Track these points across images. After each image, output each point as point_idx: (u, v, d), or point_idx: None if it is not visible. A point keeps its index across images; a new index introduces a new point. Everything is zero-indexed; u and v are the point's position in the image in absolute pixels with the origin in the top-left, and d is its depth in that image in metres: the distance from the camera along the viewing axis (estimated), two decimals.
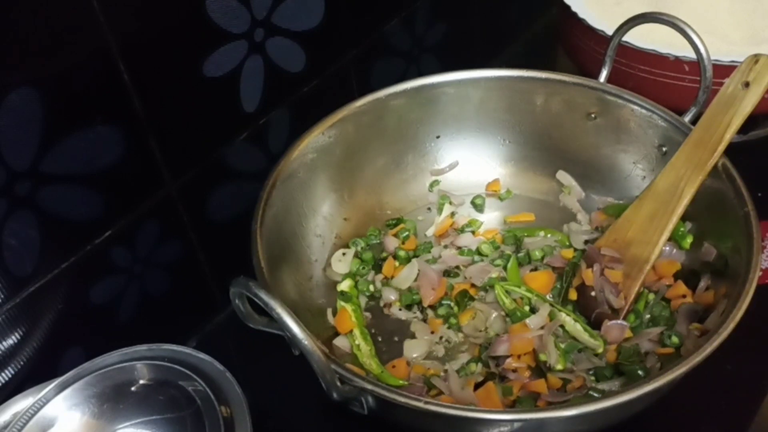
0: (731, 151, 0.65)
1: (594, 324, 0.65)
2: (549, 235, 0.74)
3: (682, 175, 0.66)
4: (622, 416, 0.55)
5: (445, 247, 0.74)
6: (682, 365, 0.51)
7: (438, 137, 0.79)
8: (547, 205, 0.78)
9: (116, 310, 0.65)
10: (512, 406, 0.60)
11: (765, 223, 0.62)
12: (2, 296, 0.55)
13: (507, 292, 0.67)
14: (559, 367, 0.61)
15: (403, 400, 0.50)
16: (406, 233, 0.75)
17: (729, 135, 0.64)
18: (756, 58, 0.64)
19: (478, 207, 0.79)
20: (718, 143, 0.64)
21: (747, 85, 0.64)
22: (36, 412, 0.53)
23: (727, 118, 0.64)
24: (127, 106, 0.60)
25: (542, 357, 0.61)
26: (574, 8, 0.86)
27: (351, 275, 0.72)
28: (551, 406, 0.56)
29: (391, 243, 0.74)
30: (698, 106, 0.70)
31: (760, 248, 0.57)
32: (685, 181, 0.65)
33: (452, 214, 0.77)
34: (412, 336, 0.67)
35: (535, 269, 0.71)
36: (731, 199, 0.62)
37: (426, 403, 0.50)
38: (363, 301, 0.70)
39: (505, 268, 0.71)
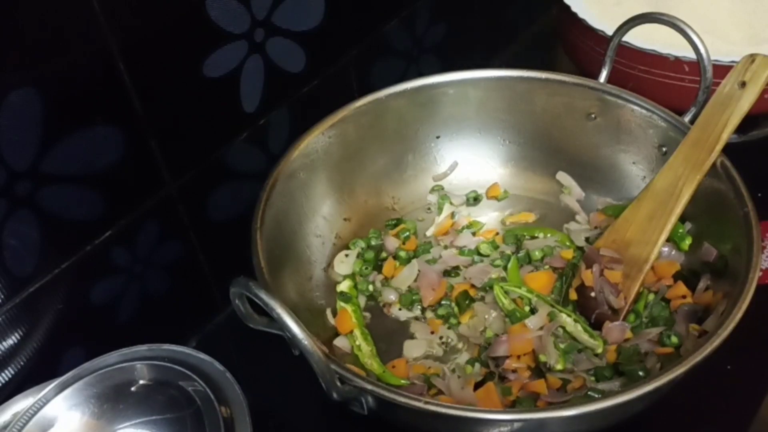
0: (731, 151, 0.65)
1: (595, 324, 0.65)
2: (549, 235, 0.74)
3: (680, 175, 0.66)
4: (622, 416, 0.55)
5: (445, 247, 0.74)
6: (682, 365, 0.51)
7: (438, 137, 0.79)
8: (547, 205, 0.78)
9: (116, 310, 0.65)
10: (512, 406, 0.59)
11: (765, 223, 0.62)
12: (2, 296, 0.55)
13: (506, 292, 0.67)
14: (559, 367, 0.61)
15: (403, 400, 0.50)
16: (407, 234, 0.75)
17: (726, 134, 0.64)
18: (752, 58, 0.64)
19: (471, 201, 0.78)
20: (715, 143, 0.64)
21: (743, 84, 0.64)
22: (36, 412, 0.53)
23: (724, 118, 0.64)
24: (127, 107, 0.60)
25: (542, 357, 0.61)
26: (574, 8, 0.86)
27: (352, 276, 0.72)
28: (551, 406, 0.56)
29: (392, 243, 0.74)
30: (698, 107, 0.70)
31: (760, 248, 0.57)
32: (683, 181, 0.65)
33: (452, 215, 0.77)
34: (412, 336, 0.67)
35: (536, 269, 0.71)
36: (731, 199, 0.62)
37: (426, 403, 0.50)
38: (362, 301, 0.70)
39: (505, 268, 0.71)
